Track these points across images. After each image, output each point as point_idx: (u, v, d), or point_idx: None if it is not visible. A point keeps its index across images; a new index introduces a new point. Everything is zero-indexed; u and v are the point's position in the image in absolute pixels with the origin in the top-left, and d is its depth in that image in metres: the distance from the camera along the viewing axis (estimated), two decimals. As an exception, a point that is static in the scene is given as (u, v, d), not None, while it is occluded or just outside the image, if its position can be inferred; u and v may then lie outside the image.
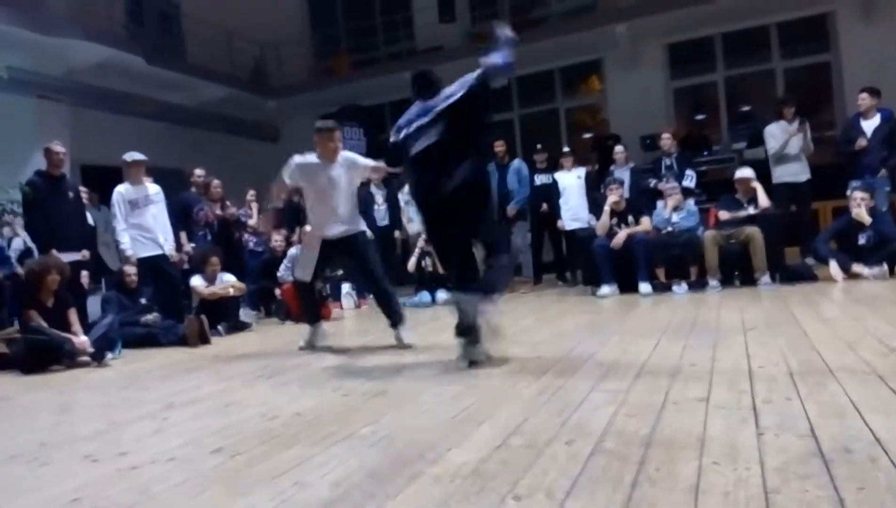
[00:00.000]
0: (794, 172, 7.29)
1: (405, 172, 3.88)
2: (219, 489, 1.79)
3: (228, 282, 6.31)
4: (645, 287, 6.28)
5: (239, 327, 6.24)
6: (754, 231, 6.06)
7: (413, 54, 12.40)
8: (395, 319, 4.43)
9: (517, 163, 8.15)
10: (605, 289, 6.39)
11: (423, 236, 7.60)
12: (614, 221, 6.63)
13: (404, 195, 8.65)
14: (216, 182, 7.52)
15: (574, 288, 7.66)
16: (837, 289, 5.57)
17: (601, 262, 6.48)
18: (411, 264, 7.62)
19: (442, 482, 1.69)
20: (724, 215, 6.48)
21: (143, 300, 5.99)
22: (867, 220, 6.07)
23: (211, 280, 6.22)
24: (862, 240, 6.08)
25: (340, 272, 7.34)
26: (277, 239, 7.45)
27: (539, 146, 8.51)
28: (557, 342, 3.90)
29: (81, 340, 4.70)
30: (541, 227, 8.22)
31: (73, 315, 4.94)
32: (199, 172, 7.53)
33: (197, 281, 6.19)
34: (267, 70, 13.63)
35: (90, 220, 7.05)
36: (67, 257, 5.46)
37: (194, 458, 2.12)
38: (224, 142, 12.13)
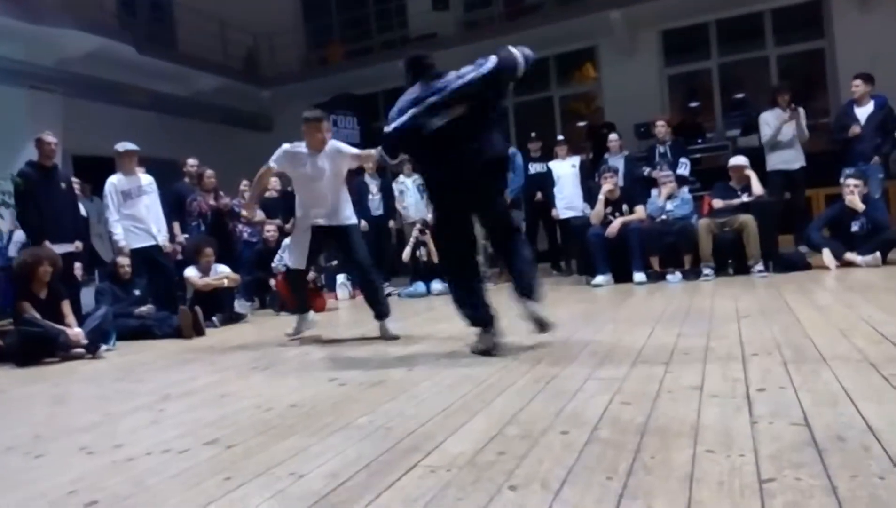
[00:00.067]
0: (788, 160, 7.29)
1: (410, 158, 3.78)
2: (214, 480, 1.79)
3: (223, 273, 6.29)
4: (639, 276, 6.30)
5: (233, 318, 6.24)
6: (748, 219, 6.07)
7: (406, 42, 12.36)
8: (379, 310, 4.40)
9: (511, 151, 8.13)
10: (600, 278, 6.40)
11: (419, 226, 7.60)
12: (609, 209, 6.64)
13: (399, 184, 8.64)
14: (209, 172, 7.48)
15: (569, 277, 7.68)
16: (831, 277, 5.59)
17: (596, 251, 6.49)
18: (406, 254, 7.62)
19: (438, 472, 1.69)
20: (717, 203, 6.49)
21: (136, 292, 5.96)
22: (860, 207, 6.09)
23: (205, 271, 6.20)
24: (855, 227, 6.10)
25: (335, 263, 7.34)
26: (270, 229, 7.43)
27: (533, 135, 8.50)
28: (552, 331, 3.90)
29: (75, 332, 4.68)
30: (535, 216, 8.22)
31: (66, 307, 4.92)
32: (192, 162, 7.49)
33: (191, 272, 6.17)
34: (260, 59, 13.55)
35: (83, 211, 7.01)
36: (60, 249, 5.43)
37: (190, 449, 2.12)
38: (217, 132, 12.08)
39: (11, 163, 7.13)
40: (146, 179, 6.09)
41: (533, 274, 3.51)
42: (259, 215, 7.56)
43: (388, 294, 7.33)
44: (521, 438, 1.91)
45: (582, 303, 5.36)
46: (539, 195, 8.01)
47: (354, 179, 7.45)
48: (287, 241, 6.94)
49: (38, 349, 4.61)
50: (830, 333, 3.10)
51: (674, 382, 2.42)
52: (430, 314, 5.60)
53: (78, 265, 6.01)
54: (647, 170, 7.63)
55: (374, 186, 8.27)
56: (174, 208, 6.92)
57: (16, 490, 1.89)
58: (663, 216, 6.64)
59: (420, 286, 7.35)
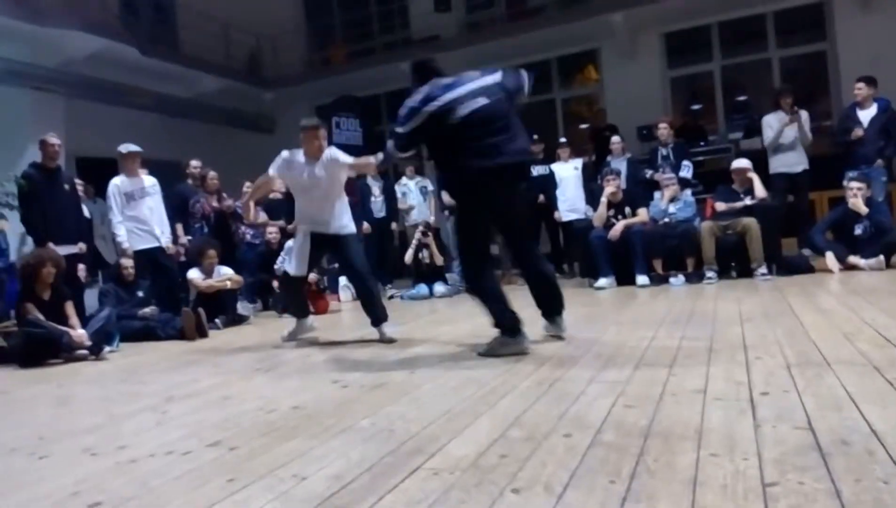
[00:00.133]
0: (791, 163, 7.28)
1: (423, 154, 3.82)
2: (218, 482, 1.79)
3: (226, 275, 6.29)
4: (642, 279, 6.29)
5: (237, 320, 6.24)
6: (751, 222, 6.07)
7: (409, 44, 12.35)
8: (375, 316, 4.39)
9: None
10: (603, 281, 6.39)
11: (421, 229, 7.60)
12: (611, 212, 6.63)
13: (401, 187, 8.65)
14: (212, 174, 7.50)
15: (571, 280, 7.67)
16: (834, 280, 5.58)
17: (598, 253, 6.49)
18: (408, 256, 7.61)
19: (441, 474, 1.70)
20: (720, 205, 6.49)
21: (140, 293, 5.97)
22: (863, 210, 6.08)
23: (208, 273, 6.20)
24: (858, 230, 6.10)
25: (337, 266, 7.34)
26: (272, 231, 7.43)
27: (535, 137, 8.48)
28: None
29: (79, 333, 4.69)
30: (538, 218, 8.20)
31: (70, 308, 4.93)
32: (195, 163, 7.50)
33: (194, 274, 6.17)
34: (262, 61, 13.56)
35: (86, 212, 7.03)
36: (64, 250, 5.44)
37: (193, 451, 2.12)
38: (220, 133, 12.10)
39: (15, 164, 7.16)
40: (149, 181, 6.10)
41: (558, 292, 3.69)
42: (262, 217, 7.58)
43: (391, 297, 7.35)
44: (524, 441, 1.91)
45: (585, 306, 5.35)
46: (541, 198, 8.00)
47: (357, 181, 7.46)
48: (290, 243, 6.96)
49: (42, 350, 4.62)
50: (834, 336, 3.09)
51: (677, 385, 2.42)
52: (432, 317, 5.60)
53: (81, 267, 6.02)
54: (649, 172, 7.62)
55: (376, 188, 8.28)
56: (177, 209, 6.92)
57: (20, 491, 1.89)
58: (666, 219, 6.64)
59: (422, 289, 7.34)
